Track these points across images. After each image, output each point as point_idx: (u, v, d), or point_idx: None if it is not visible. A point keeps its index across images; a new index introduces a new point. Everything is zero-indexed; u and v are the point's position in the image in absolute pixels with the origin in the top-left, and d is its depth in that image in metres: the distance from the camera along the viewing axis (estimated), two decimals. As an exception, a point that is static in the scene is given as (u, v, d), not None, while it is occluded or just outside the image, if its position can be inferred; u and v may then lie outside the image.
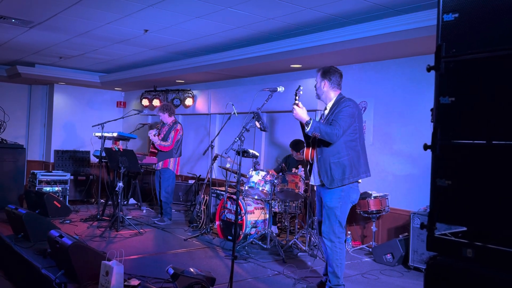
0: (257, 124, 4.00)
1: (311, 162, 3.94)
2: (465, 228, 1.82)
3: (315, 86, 4.02)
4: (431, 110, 1.77)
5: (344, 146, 3.74)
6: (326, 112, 3.93)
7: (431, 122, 1.77)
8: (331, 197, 3.77)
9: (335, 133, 3.65)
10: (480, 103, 1.67)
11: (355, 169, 3.77)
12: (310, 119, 3.63)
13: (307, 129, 3.62)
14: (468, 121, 1.69)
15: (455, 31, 1.72)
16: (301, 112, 3.67)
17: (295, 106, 3.69)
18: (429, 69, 1.77)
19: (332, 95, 3.95)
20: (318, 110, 6.51)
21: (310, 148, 3.91)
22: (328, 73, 3.95)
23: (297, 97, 3.73)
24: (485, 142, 1.66)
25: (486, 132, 1.66)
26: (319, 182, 3.84)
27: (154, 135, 6.78)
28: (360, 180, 3.87)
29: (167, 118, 6.99)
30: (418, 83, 5.57)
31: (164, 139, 6.82)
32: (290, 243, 5.41)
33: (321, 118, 4.03)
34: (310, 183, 4.05)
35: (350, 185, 3.77)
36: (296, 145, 6.09)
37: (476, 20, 1.67)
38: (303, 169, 5.53)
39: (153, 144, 6.91)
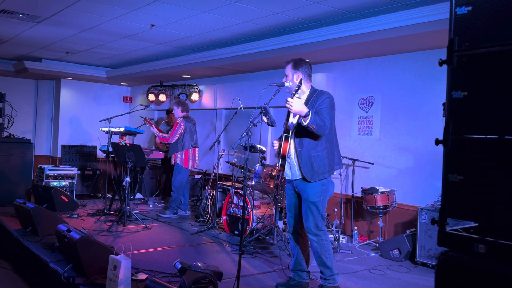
0: (265, 119, 3.95)
1: (286, 155, 3.79)
2: (472, 223, 1.80)
3: (285, 80, 3.81)
4: (443, 104, 1.75)
5: (324, 138, 3.68)
6: None
7: (443, 116, 1.75)
8: (312, 191, 3.71)
9: (327, 126, 3.55)
10: (493, 97, 1.65)
11: (332, 162, 3.74)
12: (309, 111, 3.45)
13: (306, 122, 3.46)
14: (480, 115, 1.68)
15: (468, 25, 1.70)
16: (300, 104, 3.44)
17: (295, 98, 3.45)
18: (441, 63, 1.75)
19: (305, 88, 3.82)
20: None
21: (288, 141, 3.78)
22: (299, 64, 3.81)
23: (298, 90, 3.58)
24: (497, 137, 1.64)
25: (498, 127, 1.64)
26: (299, 176, 3.74)
27: (153, 127, 6.99)
28: (335, 172, 3.83)
29: (179, 113, 7.05)
30: (426, 78, 5.53)
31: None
32: (297, 238, 5.40)
33: (289, 113, 3.87)
34: (286, 178, 3.91)
35: (329, 178, 3.76)
36: None
37: (490, 13, 1.64)
38: None
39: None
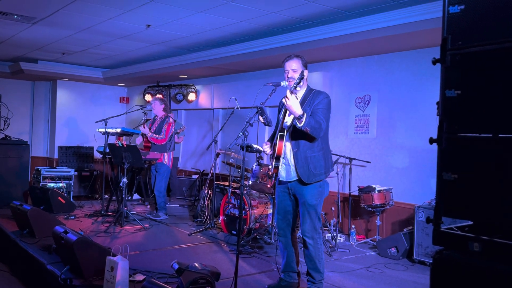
0: (261, 119, 3.95)
1: (281, 156, 3.68)
2: (470, 222, 1.80)
3: (293, 73, 3.65)
4: (437, 103, 1.76)
5: (320, 139, 3.61)
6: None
7: (437, 115, 1.75)
8: (310, 194, 3.64)
9: (322, 128, 3.49)
10: (487, 95, 1.65)
11: (327, 163, 3.69)
12: (303, 113, 3.36)
13: (300, 124, 3.38)
14: (474, 114, 1.68)
15: (461, 23, 1.70)
16: (296, 104, 3.35)
17: (293, 95, 3.35)
18: (434, 62, 1.75)
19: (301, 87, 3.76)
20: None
21: (283, 141, 3.66)
22: (306, 62, 3.77)
23: (297, 87, 3.49)
24: (491, 135, 1.65)
25: (492, 125, 1.64)
26: (295, 177, 3.66)
27: (144, 127, 6.77)
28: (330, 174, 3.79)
29: (160, 111, 6.94)
30: (422, 76, 5.54)
31: (157, 132, 6.80)
32: (294, 237, 5.40)
33: (285, 112, 3.70)
34: (280, 179, 3.79)
35: (325, 179, 3.73)
36: None
37: (483, 11, 1.65)
38: None
39: (146, 137, 6.89)
